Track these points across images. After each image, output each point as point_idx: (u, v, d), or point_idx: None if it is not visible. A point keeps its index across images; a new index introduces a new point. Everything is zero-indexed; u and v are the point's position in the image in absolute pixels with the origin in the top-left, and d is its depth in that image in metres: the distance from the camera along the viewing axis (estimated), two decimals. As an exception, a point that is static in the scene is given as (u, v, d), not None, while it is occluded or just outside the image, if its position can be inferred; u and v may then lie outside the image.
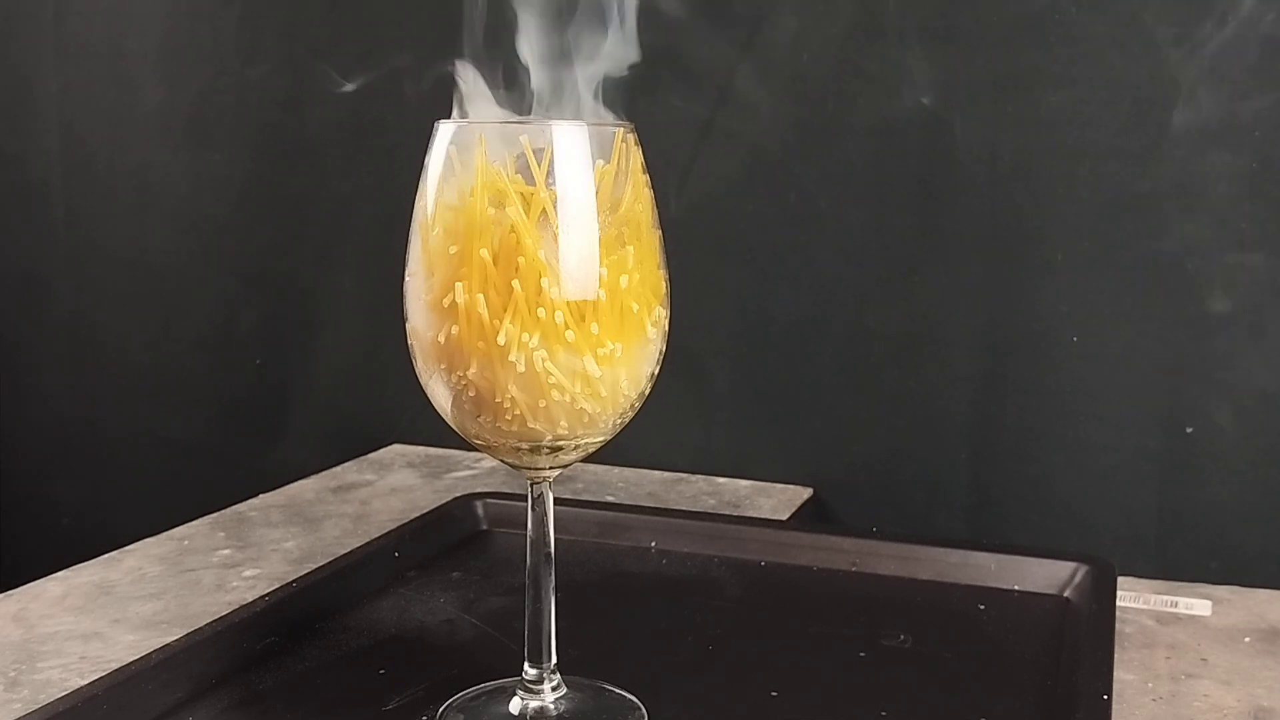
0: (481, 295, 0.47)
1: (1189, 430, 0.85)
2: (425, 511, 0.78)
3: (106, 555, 0.76)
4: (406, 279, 0.50)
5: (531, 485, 0.52)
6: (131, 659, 0.56)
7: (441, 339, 0.48)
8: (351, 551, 0.70)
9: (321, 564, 0.69)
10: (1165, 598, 0.71)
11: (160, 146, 1.16)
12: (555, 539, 0.53)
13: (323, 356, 1.13)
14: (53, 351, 1.25)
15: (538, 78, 0.50)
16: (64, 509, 1.26)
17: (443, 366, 0.48)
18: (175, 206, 1.17)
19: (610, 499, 0.89)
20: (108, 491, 1.24)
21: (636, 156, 0.50)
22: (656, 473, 0.97)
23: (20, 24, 1.21)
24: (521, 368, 0.47)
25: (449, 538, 0.75)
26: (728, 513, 0.86)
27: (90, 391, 1.24)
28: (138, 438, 1.22)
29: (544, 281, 0.46)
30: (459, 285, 0.47)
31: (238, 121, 1.13)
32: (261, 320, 1.15)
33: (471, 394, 0.48)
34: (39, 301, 1.25)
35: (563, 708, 0.53)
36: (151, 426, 1.21)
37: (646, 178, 0.50)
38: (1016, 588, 0.68)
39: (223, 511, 0.85)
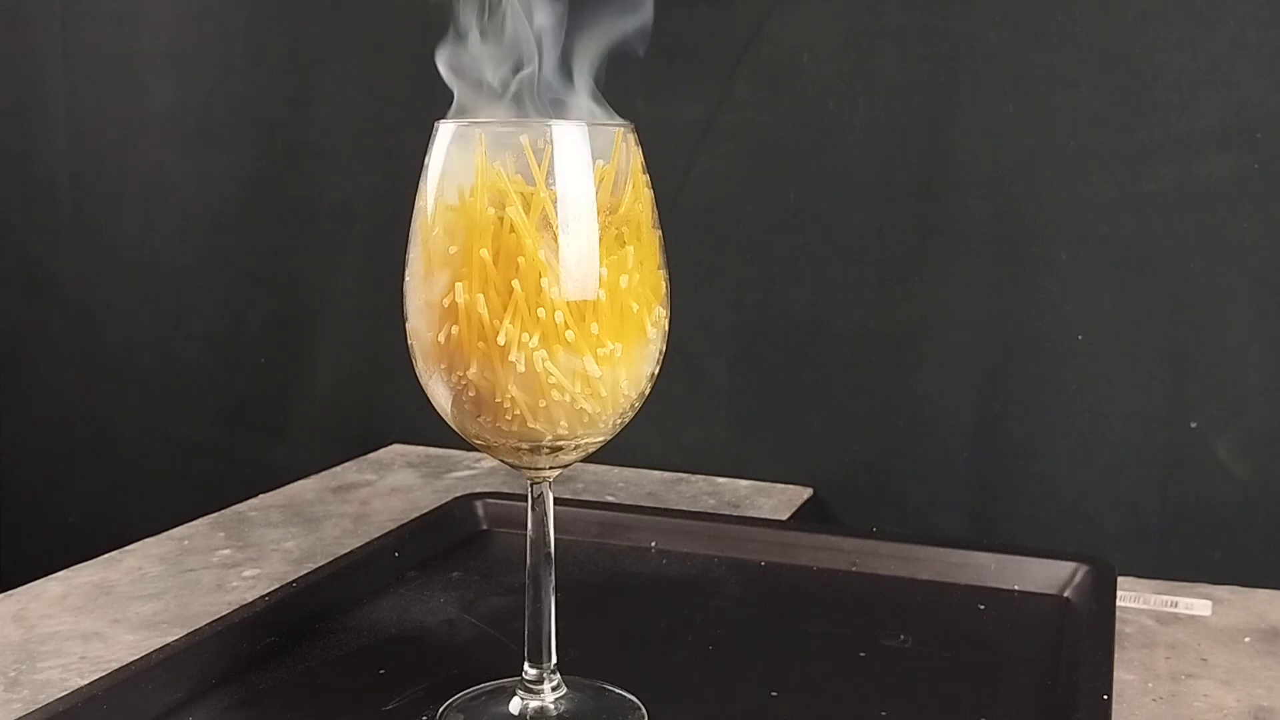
0: (481, 295, 0.46)
1: (1193, 425, 0.85)
2: (425, 511, 0.78)
3: (106, 555, 0.76)
4: (406, 279, 0.50)
5: (531, 485, 0.52)
6: (131, 659, 0.56)
7: (441, 339, 0.48)
8: (351, 551, 0.70)
9: (321, 564, 0.69)
10: (1165, 598, 0.71)
11: (168, 147, 1.16)
12: (555, 539, 0.53)
13: (325, 356, 1.13)
14: (59, 350, 1.25)
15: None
16: (69, 507, 1.26)
17: (443, 366, 0.48)
18: (183, 206, 1.17)
19: (610, 499, 0.89)
20: (113, 489, 1.24)
21: (636, 156, 0.50)
22: (656, 473, 0.97)
23: (28, 25, 1.21)
24: (521, 368, 0.47)
25: (449, 538, 0.75)
26: (728, 513, 0.86)
27: (97, 390, 1.24)
28: (144, 436, 1.22)
29: (544, 281, 0.46)
30: (459, 285, 0.47)
31: (245, 122, 1.13)
32: (268, 320, 1.15)
33: (471, 394, 0.48)
34: (46, 300, 1.25)
35: (563, 708, 0.53)
36: (158, 425, 1.21)
37: (646, 178, 0.50)
38: (1016, 588, 0.68)
39: (223, 511, 0.85)
